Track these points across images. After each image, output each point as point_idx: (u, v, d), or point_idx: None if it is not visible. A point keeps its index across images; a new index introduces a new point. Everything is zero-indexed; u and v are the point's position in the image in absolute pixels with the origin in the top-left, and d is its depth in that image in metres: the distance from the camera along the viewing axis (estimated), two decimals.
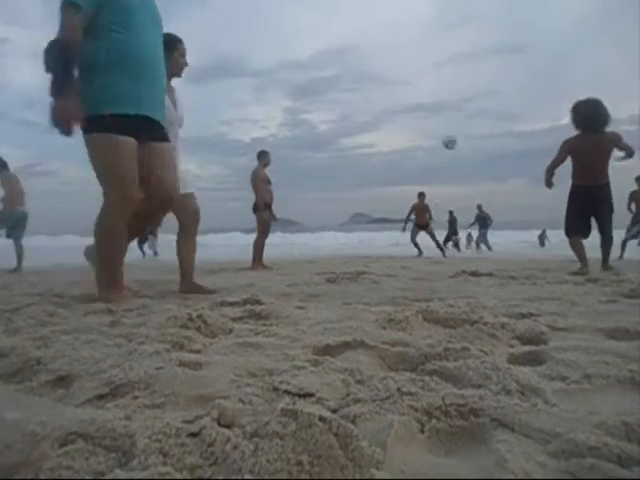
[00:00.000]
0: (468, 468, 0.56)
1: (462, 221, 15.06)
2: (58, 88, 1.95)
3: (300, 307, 1.86)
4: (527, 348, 1.11)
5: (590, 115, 3.85)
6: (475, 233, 15.19)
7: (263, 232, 6.11)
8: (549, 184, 4.15)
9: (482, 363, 0.89)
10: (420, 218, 9.93)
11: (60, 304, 2.02)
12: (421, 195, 10.05)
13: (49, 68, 1.95)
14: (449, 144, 6.46)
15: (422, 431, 0.66)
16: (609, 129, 3.89)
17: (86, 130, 2.07)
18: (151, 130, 2.20)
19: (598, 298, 1.98)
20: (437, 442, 0.64)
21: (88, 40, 2.02)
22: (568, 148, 3.96)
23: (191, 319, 1.38)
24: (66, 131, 1.99)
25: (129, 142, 2.10)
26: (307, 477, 0.50)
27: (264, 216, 6.03)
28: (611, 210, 3.96)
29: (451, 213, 14.75)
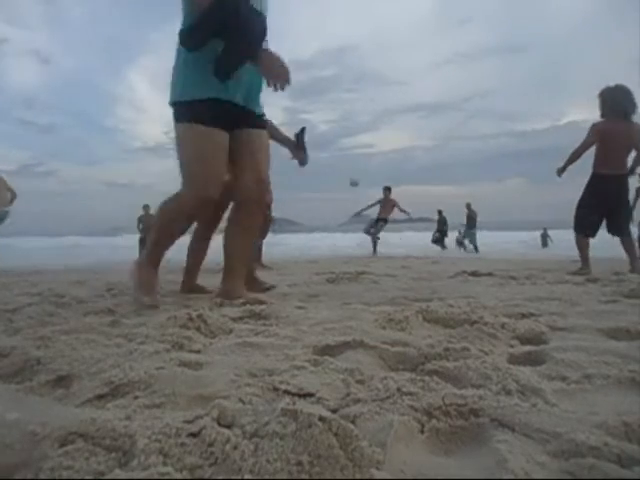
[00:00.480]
0: (468, 468, 0.56)
1: (462, 221, 15.00)
2: (257, 41, 1.80)
3: (300, 307, 1.85)
4: (527, 348, 1.11)
5: (621, 100, 3.73)
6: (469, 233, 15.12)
7: (263, 232, 6.13)
8: (562, 171, 3.93)
9: (482, 363, 0.89)
10: (383, 212, 10.05)
11: (60, 304, 2.02)
12: (387, 190, 10.11)
13: (225, 26, 1.76)
14: (353, 183, 7.54)
15: (422, 431, 0.66)
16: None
17: (176, 117, 1.95)
18: (247, 117, 2.03)
19: (598, 298, 1.98)
20: (437, 442, 0.64)
21: (185, 21, 1.88)
22: (597, 131, 3.76)
23: (191, 319, 1.38)
24: (283, 84, 1.86)
25: (219, 135, 1.93)
26: (307, 477, 0.50)
27: (265, 217, 6.07)
28: (628, 207, 3.78)
29: (440, 213, 14.55)
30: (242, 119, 2.01)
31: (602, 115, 3.81)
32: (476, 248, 13.23)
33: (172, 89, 1.96)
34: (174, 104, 1.95)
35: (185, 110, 1.91)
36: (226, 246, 2.15)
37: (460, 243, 14.13)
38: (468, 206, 14.11)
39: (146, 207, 11.39)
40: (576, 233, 3.87)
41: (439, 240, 14.11)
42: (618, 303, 1.81)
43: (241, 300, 1.91)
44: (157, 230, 2.09)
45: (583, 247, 3.81)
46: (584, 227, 3.82)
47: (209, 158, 1.92)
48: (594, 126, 3.81)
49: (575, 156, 3.92)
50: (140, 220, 11.28)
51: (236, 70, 1.85)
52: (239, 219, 2.11)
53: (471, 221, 13.96)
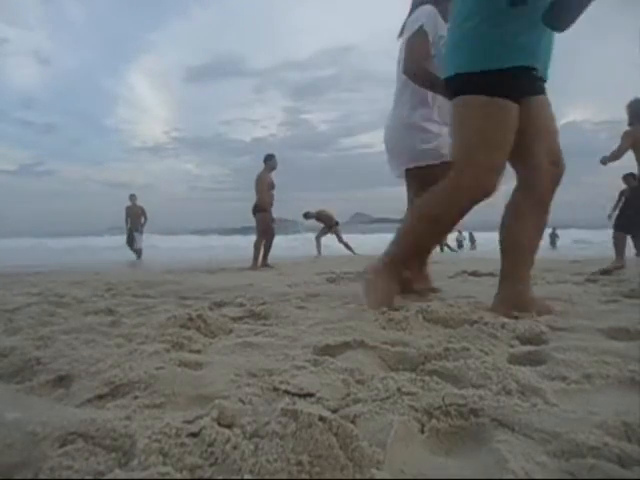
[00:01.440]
0: (468, 468, 0.56)
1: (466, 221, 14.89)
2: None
3: (300, 307, 1.85)
4: (527, 348, 1.11)
5: None
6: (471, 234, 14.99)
7: (265, 233, 6.17)
8: (606, 162, 4.21)
9: (482, 363, 0.89)
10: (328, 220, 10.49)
11: (60, 304, 2.02)
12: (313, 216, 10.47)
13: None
14: None
15: (422, 431, 0.66)
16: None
17: (467, 89, 1.61)
18: (540, 84, 1.69)
19: (598, 298, 1.98)
20: (437, 442, 0.64)
21: None
22: (629, 137, 4.12)
23: (191, 319, 1.38)
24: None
25: (515, 113, 1.60)
26: (307, 477, 0.50)
27: (265, 218, 6.12)
28: None
29: None
30: (536, 87, 1.68)
31: (630, 124, 4.07)
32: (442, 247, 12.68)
33: (462, 58, 1.62)
34: (466, 75, 1.61)
35: (483, 81, 1.57)
36: (508, 242, 1.72)
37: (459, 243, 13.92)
38: None
39: (133, 197, 10.67)
40: (617, 231, 4.25)
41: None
42: (618, 303, 1.81)
43: (529, 313, 1.50)
44: (418, 231, 1.71)
45: (622, 243, 4.17)
46: (628, 227, 4.24)
47: (503, 141, 1.61)
48: (627, 133, 4.08)
49: (614, 158, 4.22)
50: (128, 212, 10.54)
51: (576, 18, 1.52)
52: (528, 210, 1.69)
53: None
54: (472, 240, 16.16)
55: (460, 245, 15.30)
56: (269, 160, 6.19)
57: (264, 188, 6.07)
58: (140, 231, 10.50)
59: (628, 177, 5.49)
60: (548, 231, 15.98)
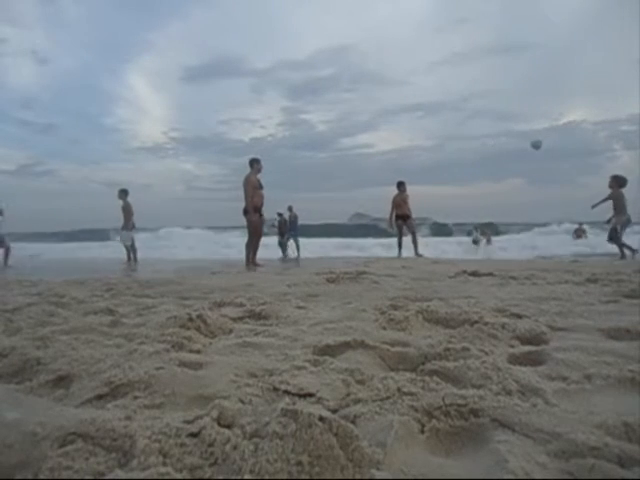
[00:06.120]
0: (468, 468, 0.56)
1: (465, 221, 14.76)
2: None
3: (300, 307, 1.85)
4: (527, 348, 1.11)
5: None
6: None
7: (254, 233, 6.24)
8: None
9: (482, 363, 0.89)
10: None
11: (60, 304, 2.02)
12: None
13: None
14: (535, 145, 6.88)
15: (422, 431, 0.66)
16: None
17: None
18: None
19: (598, 298, 1.98)
20: (437, 442, 0.64)
21: None
22: None
23: (191, 319, 1.37)
24: None
25: None
26: (307, 477, 0.50)
27: (253, 218, 6.19)
28: None
29: (280, 215, 13.34)
30: None
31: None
32: (298, 248, 11.90)
33: None
34: None
35: None
36: None
37: (284, 247, 12.85)
38: (290, 209, 13.00)
39: (121, 193, 9.11)
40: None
41: (283, 244, 12.98)
42: (618, 303, 1.81)
43: None
44: None
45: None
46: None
47: None
48: None
49: None
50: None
51: None
52: None
53: (293, 224, 12.96)
54: (488, 240, 15.76)
55: (476, 242, 15.05)
56: (256, 163, 6.32)
57: (249, 190, 6.16)
58: (127, 228, 9.28)
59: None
60: (574, 226, 15.64)
